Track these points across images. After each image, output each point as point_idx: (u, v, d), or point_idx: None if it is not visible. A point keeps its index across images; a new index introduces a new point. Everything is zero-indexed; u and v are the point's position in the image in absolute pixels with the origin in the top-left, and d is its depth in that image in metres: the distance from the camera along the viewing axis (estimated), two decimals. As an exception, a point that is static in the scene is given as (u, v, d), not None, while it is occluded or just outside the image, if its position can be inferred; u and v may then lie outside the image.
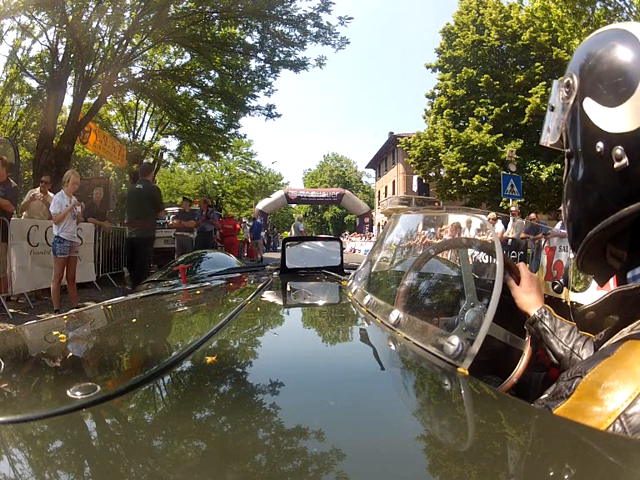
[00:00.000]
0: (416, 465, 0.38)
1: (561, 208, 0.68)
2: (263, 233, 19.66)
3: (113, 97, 11.15)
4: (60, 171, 7.28)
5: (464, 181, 15.01)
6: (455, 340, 0.58)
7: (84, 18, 7.83)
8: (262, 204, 27.92)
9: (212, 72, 11.01)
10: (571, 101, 0.59)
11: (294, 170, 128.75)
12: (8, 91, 10.83)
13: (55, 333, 0.81)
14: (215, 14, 9.22)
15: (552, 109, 0.65)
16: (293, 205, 38.95)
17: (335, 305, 1.21)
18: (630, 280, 0.53)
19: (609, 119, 0.52)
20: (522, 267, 0.82)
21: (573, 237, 0.60)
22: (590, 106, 0.55)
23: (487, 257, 0.88)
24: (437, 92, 17.10)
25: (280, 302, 1.31)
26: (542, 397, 0.52)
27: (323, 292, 1.43)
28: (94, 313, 1.27)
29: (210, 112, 12.57)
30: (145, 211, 5.02)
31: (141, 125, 12.60)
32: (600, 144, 0.52)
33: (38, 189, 5.45)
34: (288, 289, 1.50)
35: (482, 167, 14.45)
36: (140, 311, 1.26)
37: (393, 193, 27.49)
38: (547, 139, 0.68)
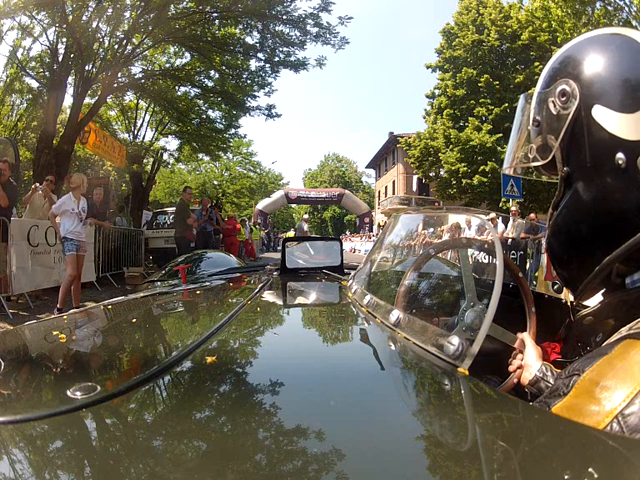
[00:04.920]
0: (416, 465, 0.38)
1: (545, 243, 0.59)
2: (263, 233, 19.68)
3: (113, 97, 11.12)
4: (60, 171, 7.28)
5: (464, 181, 15.02)
6: (455, 340, 0.58)
7: (84, 18, 7.82)
8: (262, 204, 27.90)
9: (212, 72, 10.98)
10: (571, 111, 0.52)
11: (294, 170, 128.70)
12: (8, 91, 10.81)
13: (55, 333, 0.81)
14: (215, 14, 9.20)
15: (537, 124, 0.58)
16: (293, 205, 38.93)
17: (335, 305, 1.21)
18: (629, 285, 0.53)
19: (629, 125, 0.47)
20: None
21: (577, 270, 0.54)
22: (602, 113, 0.49)
23: (487, 257, 0.88)
24: (437, 92, 17.09)
25: (280, 302, 1.30)
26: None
27: (323, 292, 1.43)
28: (94, 313, 1.26)
29: (210, 112, 12.55)
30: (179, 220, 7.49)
31: (141, 125, 12.55)
32: (621, 155, 0.48)
33: (43, 184, 5.46)
34: (288, 289, 1.50)
35: (482, 167, 14.46)
36: (140, 311, 1.26)
37: (393, 193, 27.48)
38: (528, 161, 0.59)
